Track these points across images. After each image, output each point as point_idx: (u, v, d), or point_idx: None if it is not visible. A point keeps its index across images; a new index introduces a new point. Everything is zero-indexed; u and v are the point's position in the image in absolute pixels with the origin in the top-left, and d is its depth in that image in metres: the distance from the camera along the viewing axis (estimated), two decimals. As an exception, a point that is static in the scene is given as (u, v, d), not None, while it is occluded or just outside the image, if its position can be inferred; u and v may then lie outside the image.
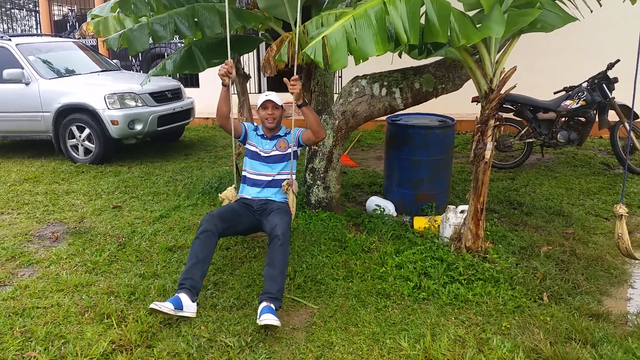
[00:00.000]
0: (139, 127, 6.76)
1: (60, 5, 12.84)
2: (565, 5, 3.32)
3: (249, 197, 3.42)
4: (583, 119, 5.86)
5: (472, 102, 5.80)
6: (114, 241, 4.09)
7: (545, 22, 3.19)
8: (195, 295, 2.86)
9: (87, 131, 6.73)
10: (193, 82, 10.63)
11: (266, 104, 3.40)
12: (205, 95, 9.88)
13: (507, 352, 2.57)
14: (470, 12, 3.15)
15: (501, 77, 3.27)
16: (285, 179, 3.43)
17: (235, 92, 5.34)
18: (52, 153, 7.22)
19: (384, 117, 4.53)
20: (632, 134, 5.75)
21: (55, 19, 12.64)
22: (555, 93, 6.01)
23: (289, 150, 3.46)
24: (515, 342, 2.67)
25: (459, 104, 6.67)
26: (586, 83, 5.83)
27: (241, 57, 5.90)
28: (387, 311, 3.00)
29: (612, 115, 5.80)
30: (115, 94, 6.69)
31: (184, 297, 2.80)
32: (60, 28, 12.48)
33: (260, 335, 2.78)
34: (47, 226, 4.54)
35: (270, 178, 3.44)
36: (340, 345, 2.68)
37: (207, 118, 9.82)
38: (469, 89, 4.10)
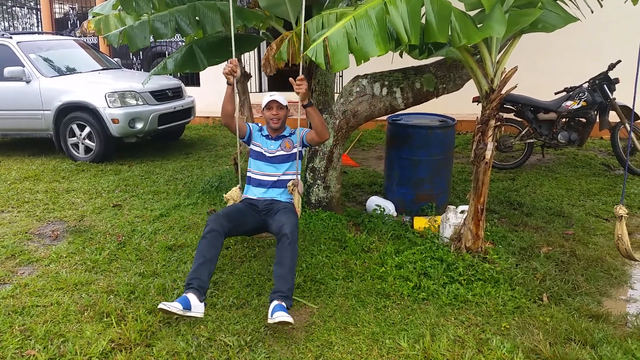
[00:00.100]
0: (139, 125, 6.77)
1: (61, 3, 12.85)
2: (567, 5, 3.31)
3: (254, 197, 3.41)
4: (584, 120, 5.86)
5: (473, 102, 5.80)
6: (113, 240, 4.09)
7: (547, 22, 3.19)
8: (202, 295, 2.82)
9: (87, 129, 6.74)
10: (194, 80, 10.63)
11: (271, 105, 3.40)
12: (206, 94, 9.90)
13: (507, 352, 2.57)
14: (471, 12, 3.14)
15: (502, 77, 3.27)
16: (290, 180, 3.42)
17: (236, 91, 5.33)
18: (52, 151, 7.22)
19: (385, 117, 4.53)
20: (632, 134, 5.75)
21: (57, 17, 12.64)
22: (556, 93, 6.01)
23: (294, 151, 3.46)
24: (514, 342, 2.67)
25: (460, 104, 6.67)
26: (587, 84, 5.82)
27: (242, 56, 5.89)
28: (386, 311, 3.00)
29: (613, 116, 5.80)
30: (116, 92, 6.69)
31: (192, 297, 2.76)
32: (61, 26, 12.48)
33: (259, 334, 2.78)
34: (47, 224, 4.54)
35: (275, 178, 3.43)
36: (340, 345, 2.68)
37: (208, 117, 9.83)
38: (470, 89, 4.10)
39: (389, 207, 4.42)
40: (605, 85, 5.68)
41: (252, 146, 3.53)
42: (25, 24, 15.69)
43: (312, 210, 4.36)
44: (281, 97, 3.42)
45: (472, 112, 7.10)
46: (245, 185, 3.53)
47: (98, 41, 11.14)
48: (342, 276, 3.38)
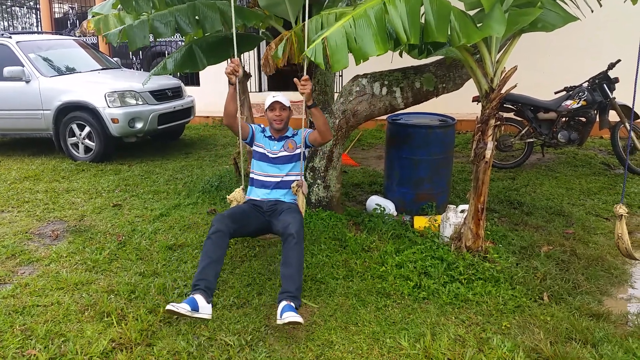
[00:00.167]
0: (139, 125, 6.76)
1: (60, 3, 12.84)
2: (566, 4, 3.31)
3: (258, 198, 3.39)
4: (584, 119, 5.86)
5: (473, 101, 5.80)
6: (114, 239, 4.09)
7: (546, 21, 3.18)
8: (210, 296, 2.79)
9: (87, 129, 6.74)
10: (193, 80, 10.62)
11: (274, 106, 3.38)
12: (206, 94, 9.90)
13: (507, 351, 2.57)
14: (470, 12, 3.14)
15: (502, 77, 3.27)
16: (294, 180, 3.40)
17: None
18: (52, 151, 7.22)
19: (385, 117, 4.53)
20: (632, 134, 5.76)
21: (56, 16, 12.63)
22: (555, 93, 6.01)
23: (297, 151, 3.43)
24: (515, 341, 2.67)
25: (460, 104, 6.67)
26: (587, 83, 5.82)
27: (242, 55, 5.89)
28: (387, 310, 3.01)
29: (613, 116, 5.80)
30: (115, 92, 6.69)
31: (199, 299, 2.72)
32: (60, 26, 12.47)
33: (260, 333, 2.78)
34: (47, 224, 4.54)
35: (278, 179, 3.41)
36: (340, 344, 2.68)
37: (208, 117, 9.82)
38: (470, 88, 4.10)
39: (389, 206, 4.43)
40: (605, 85, 5.68)
41: (254, 147, 3.50)
42: (25, 23, 15.68)
43: (312, 209, 4.36)
44: (284, 98, 3.40)
45: (472, 112, 7.10)
46: (248, 186, 3.50)
47: (98, 41, 11.13)
48: (342, 275, 3.39)
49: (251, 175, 3.49)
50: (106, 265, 3.64)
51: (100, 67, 7.80)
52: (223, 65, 5.56)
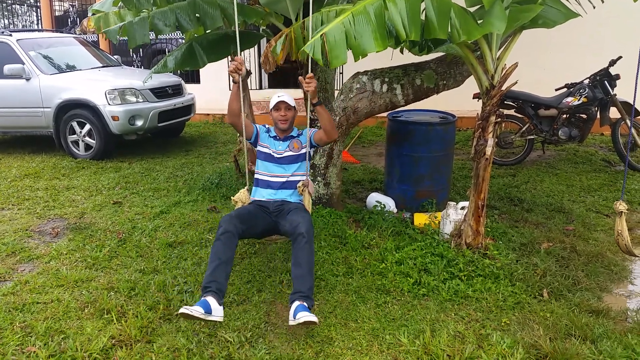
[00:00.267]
0: (139, 122, 6.76)
1: (61, 1, 12.82)
2: (567, 1, 3.30)
3: (264, 199, 3.33)
4: (584, 116, 5.85)
5: (474, 98, 5.79)
6: (114, 237, 4.09)
7: (547, 17, 3.17)
8: (221, 298, 2.72)
9: (87, 127, 6.74)
10: (194, 78, 10.61)
11: (279, 105, 3.33)
12: (206, 91, 9.88)
13: (507, 348, 2.57)
14: (471, 8, 3.13)
15: (502, 74, 3.26)
16: (299, 180, 3.34)
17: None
18: (52, 149, 7.22)
19: (385, 114, 4.52)
20: (633, 130, 5.75)
21: (57, 14, 12.62)
22: (556, 90, 6.00)
23: (303, 151, 3.38)
24: (514, 338, 2.67)
25: (460, 101, 6.66)
26: (588, 80, 5.81)
27: (242, 53, 5.88)
28: (386, 307, 3.01)
29: (614, 112, 5.79)
30: (116, 89, 6.69)
31: (211, 301, 2.66)
32: (61, 23, 12.46)
33: (260, 330, 2.79)
34: (48, 222, 4.54)
35: (284, 179, 3.35)
36: (340, 341, 2.68)
37: (208, 114, 9.82)
38: (470, 85, 4.09)
39: (390, 203, 4.43)
40: (606, 82, 5.67)
41: (259, 147, 3.44)
42: (25, 21, 15.68)
43: (312, 206, 4.36)
44: (289, 97, 3.35)
45: (472, 109, 7.09)
46: (253, 187, 3.43)
47: (98, 38, 11.12)
48: (342, 272, 3.39)
49: (256, 175, 3.44)
50: (106, 263, 3.65)
51: (101, 65, 7.80)
52: (223, 63, 5.57)
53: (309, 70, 3.13)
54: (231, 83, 3.29)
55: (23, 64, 6.87)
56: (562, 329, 2.74)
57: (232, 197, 3.39)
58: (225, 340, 2.68)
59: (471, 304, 3.03)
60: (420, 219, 4.13)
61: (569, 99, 5.79)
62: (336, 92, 4.63)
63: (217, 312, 2.65)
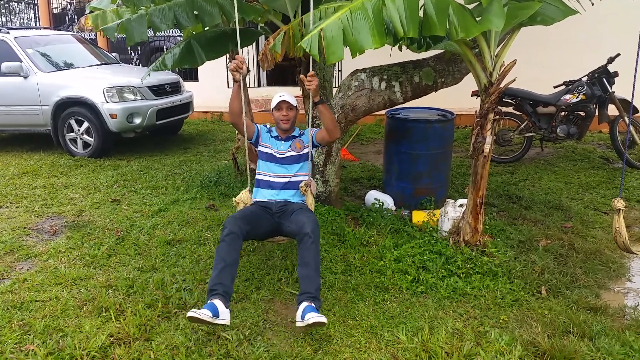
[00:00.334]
0: (137, 120, 6.75)
1: (58, -2, 12.78)
2: (566, -3, 3.30)
3: (266, 199, 3.28)
4: (583, 113, 5.85)
5: (472, 96, 5.79)
6: (112, 235, 4.09)
7: (546, 15, 3.17)
8: (228, 301, 2.69)
9: (85, 125, 6.72)
10: (192, 75, 10.59)
11: (281, 105, 3.29)
12: (204, 89, 9.87)
13: (505, 345, 2.58)
14: (469, 6, 3.12)
15: (501, 71, 3.26)
16: (302, 181, 3.30)
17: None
18: (50, 147, 7.21)
19: (384, 111, 4.52)
20: (631, 128, 5.76)
21: (54, 11, 12.58)
22: (555, 87, 6.00)
23: (305, 151, 3.34)
24: (513, 335, 2.67)
25: (459, 98, 6.65)
26: (586, 77, 5.81)
27: (240, 50, 5.86)
28: (385, 304, 3.01)
29: (612, 110, 5.79)
30: (114, 87, 6.67)
31: (219, 304, 2.63)
32: (59, 21, 12.43)
33: (258, 328, 2.79)
34: (46, 220, 4.53)
35: (286, 179, 3.31)
36: (339, 338, 2.68)
37: (206, 112, 9.80)
38: (469, 82, 4.08)
39: (388, 201, 4.43)
40: (604, 79, 5.67)
41: (260, 148, 3.40)
42: (23, 19, 15.62)
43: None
44: (291, 97, 3.31)
45: (471, 106, 7.06)
46: (254, 188, 3.38)
47: (96, 36, 11.09)
48: (341, 270, 3.39)
49: (257, 176, 3.39)
50: (104, 261, 3.64)
51: (99, 63, 7.78)
52: (221, 60, 5.55)
53: (310, 69, 3.10)
54: (231, 81, 3.25)
55: (21, 61, 6.85)
56: (560, 326, 2.74)
57: (233, 198, 3.34)
58: (223, 338, 2.68)
59: (469, 301, 3.03)
60: (418, 216, 4.13)
61: (568, 97, 5.79)
62: (334, 90, 4.63)
63: (224, 316, 2.63)
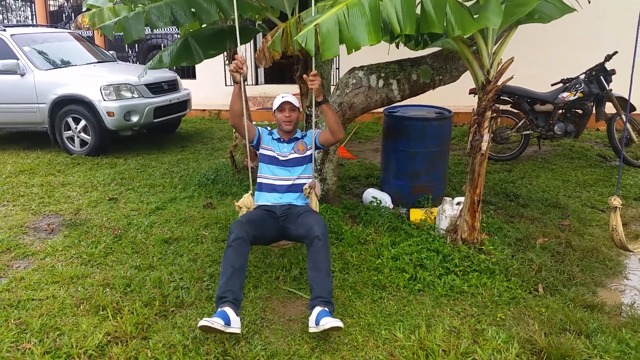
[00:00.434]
0: (135, 118, 6.73)
1: (55, -4, 12.74)
2: (563, -5, 3.30)
3: (269, 203, 3.21)
4: (580, 111, 5.86)
5: (470, 93, 5.78)
6: (109, 233, 4.08)
7: (543, 12, 3.17)
8: (238, 308, 2.67)
9: (83, 123, 6.70)
10: (189, 73, 10.57)
11: (283, 106, 3.21)
12: (202, 87, 9.85)
13: (502, 343, 2.58)
14: (467, 3, 3.12)
15: (498, 69, 3.26)
16: (305, 183, 3.24)
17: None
18: (47, 145, 7.19)
19: (381, 109, 4.51)
20: (628, 126, 5.76)
21: (51, 9, 12.54)
22: (552, 85, 6.00)
23: (308, 153, 3.29)
24: (510, 333, 2.68)
25: (456, 96, 6.66)
26: (584, 75, 5.82)
27: (237, 48, 5.85)
28: (382, 302, 3.01)
29: (609, 108, 5.80)
30: (111, 85, 6.65)
31: (230, 312, 2.60)
32: (56, 19, 12.39)
33: (256, 326, 2.79)
34: (43, 218, 4.52)
35: (290, 182, 3.23)
36: (336, 336, 2.68)
37: (204, 110, 9.78)
38: (467, 80, 4.08)
39: (386, 199, 4.43)
40: (601, 77, 5.67)
41: (262, 150, 3.31)
42: (20, 16, 15.56)
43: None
44: (293, 98, 3.24)
45: (468, 104, 7.08)
46: (257, 192, 3.29)
47: (93, 34, 11.06)
48: (338, 268, 3.39)
49: (259, 179, 3.31)
50: (102, 259, 3.64)
51: (96, 60, 7.75)
52: (219, 58, 5.53)
53: (307, 67, 3.07)
54: (229, 79, 3.23)
55: (17, 59, 6.82)
56: (557, 323, 2.75)
57: (236, 203, 3.23)
58: (221, 337, 2.68)
59: (466, 299, 3.04)
60: (416, 214, 4.13)
61: (565, 94, 5.79)
62: (332, 88, 4.62)
63: (236, 324, 2.60)
